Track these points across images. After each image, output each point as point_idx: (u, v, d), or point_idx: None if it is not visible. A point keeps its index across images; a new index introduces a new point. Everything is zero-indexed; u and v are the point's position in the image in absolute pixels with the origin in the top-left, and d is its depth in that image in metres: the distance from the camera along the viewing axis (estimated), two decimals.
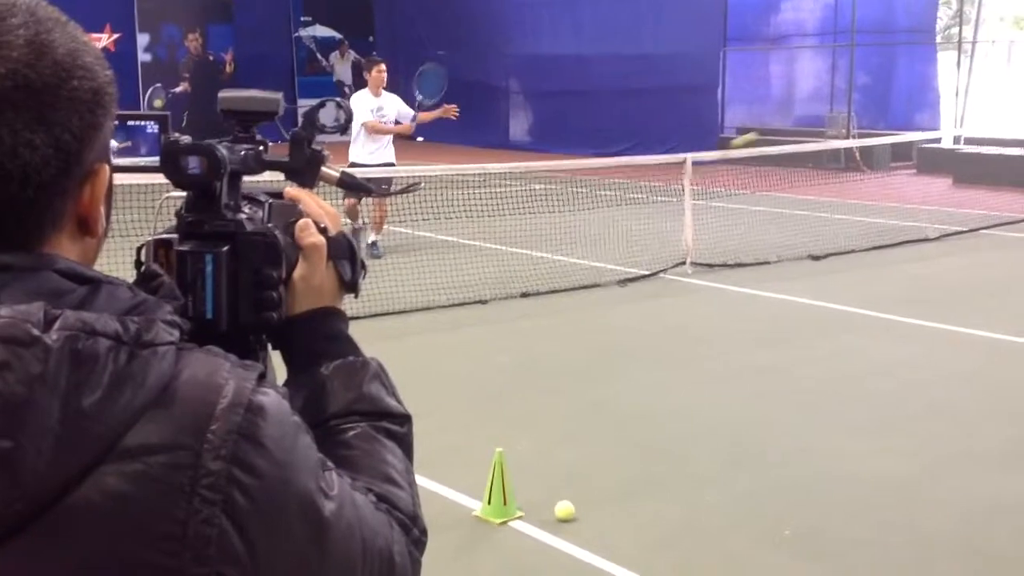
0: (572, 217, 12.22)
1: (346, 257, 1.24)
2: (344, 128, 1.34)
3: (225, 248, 1.13)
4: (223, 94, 1.26)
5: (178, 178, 1.12)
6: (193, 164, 1.12)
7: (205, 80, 23.46)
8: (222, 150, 1.13)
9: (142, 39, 23.38)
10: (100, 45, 22.11)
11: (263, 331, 1.18)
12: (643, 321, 8.26)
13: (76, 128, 0.92)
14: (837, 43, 20.49)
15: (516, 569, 4.18)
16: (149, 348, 0.88)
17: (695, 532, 4.45)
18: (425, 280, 9.04)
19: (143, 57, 23.42)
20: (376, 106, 11.11)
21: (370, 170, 10.10)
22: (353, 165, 10.62)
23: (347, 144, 11.06)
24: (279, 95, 1.27)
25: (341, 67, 26.57)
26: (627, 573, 4.04)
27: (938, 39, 21.93)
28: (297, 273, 1.20)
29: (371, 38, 26.88)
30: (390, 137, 11.13)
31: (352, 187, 1.41)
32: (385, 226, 11.11)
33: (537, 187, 13.58)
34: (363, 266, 1.28)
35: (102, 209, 0.99)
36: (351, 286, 1.25)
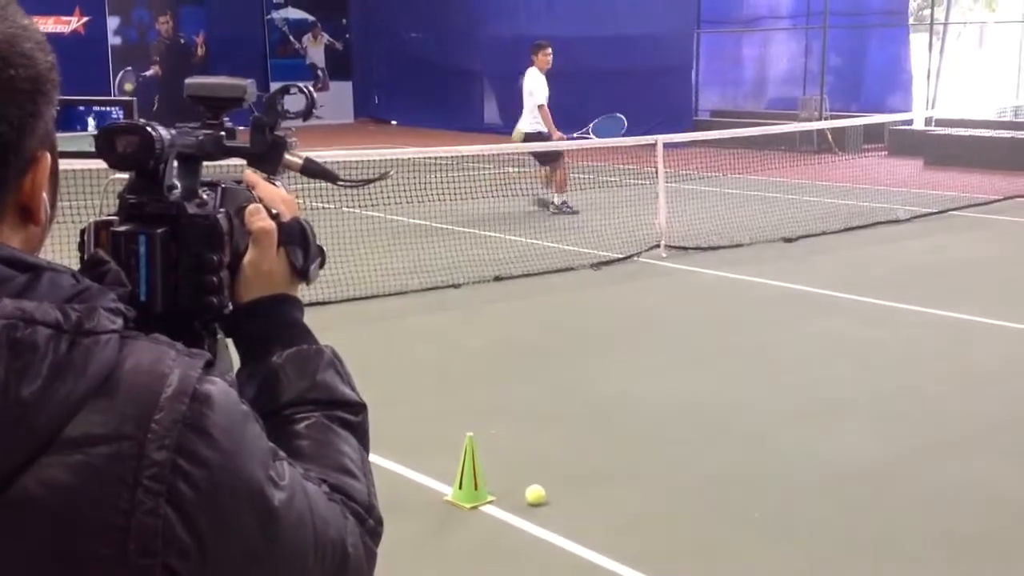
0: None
1: (298, 243, 1.22)
2: (307, 114, 1.32)
3: (161, 230, 1.11)
4: (190, 80, 1.24)
5: (112, 158, 1.10)
6: (125, 143, 1.10)
7: (176, 63, 23.26)
8: (159, 130, 1.10)
9: (112, 22, 23.15)
10: (69, 28, 21.93)
11: (206, 316, 1.16)
12: (617, 304, 8.27)
13: (14, 117, 0.90)
14: (810, 25, 20.53)
15: (487, 553, 4.18)
16: (91, 336, 0.86)
17: (665, 515, 4.47)
18: (398, 264, 9.03)
19: (113, 40, 23.19)
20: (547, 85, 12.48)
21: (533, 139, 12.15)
22: (529, 136, 12.30)
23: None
24: (247, 81, 1.25)
25: (314, 50, 26.43)
26: (597, 556, 4.05)
27: (910, 21, 21.99)
28: (247, 258, 1.19)
29: (344, 20, 26.74)
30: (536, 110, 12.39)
31: (316, 174, 1.39)
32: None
33: (511, 170, 13.56)
34: (321, 253, 1.27)
35: (45, 196, 0.97)
36: (303, 273, 1.22)
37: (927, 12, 21.96)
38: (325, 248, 1.29)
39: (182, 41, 24.22)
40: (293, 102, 1.30)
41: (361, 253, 8.98)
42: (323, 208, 10.96)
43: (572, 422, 5.54)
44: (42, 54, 0.93)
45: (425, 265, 9.10)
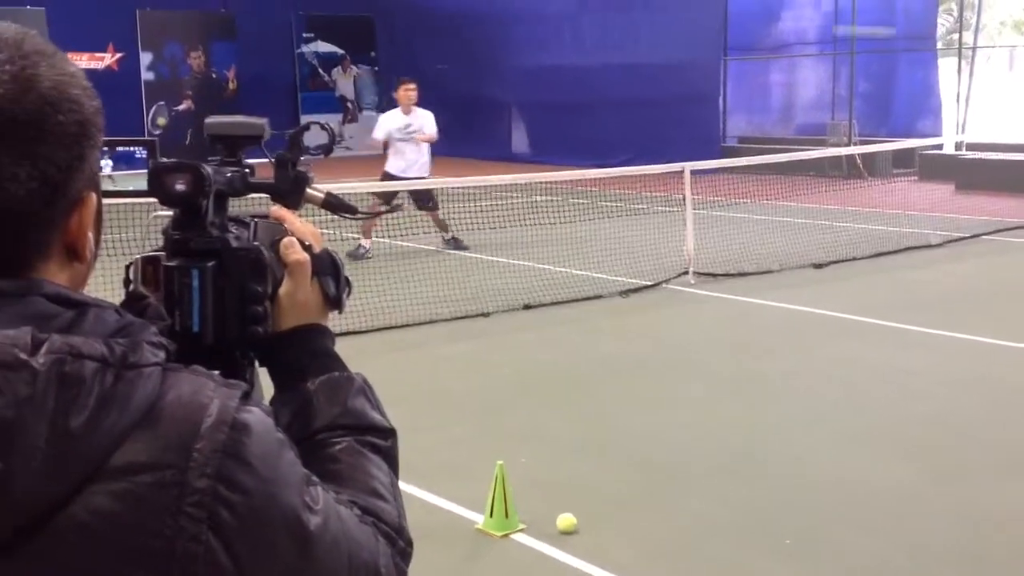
0: (574, 228, 12.26)
1: (330, 274, 1.27)
2: (328, 150, 1.37)
3: (211, 263, 1.16)
4: (209, 120, 1.29)
5: (164, 196, 1.15)
6: (178, 182, 1.15)
7: (208, 98, 23.53)
8: (207, 168, 1.16)
9: (145, 58, 23.44)
10: (103, 64, 22.24)
11: (250, 346, 1.21)
12: (645, 331, 8.27)
13: (61, 160, 0.94)
14: (837, 51, 20.52)
15: None
16: (135, 369, 0.90)
17: (696, 543, 4.46)
18: (427, 293, 9.07)
19: (146, 76, 23.48)
20: (403, 123, 11.49)
21: (404, 183, 10.97)
22: (387, 176, 11.28)
23: (380, 158, 11.91)
24: (263, 120, 1.30)
25: (344, 83, 26.66)
26: None
27: (939, 45, 21.93)
28: (282, 290, 1.23)
29: (373, 53, 26.97)
30: (424, 153, 11.52)
31: (337, 208, 1.43)
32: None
33: (539, 198, 13.62)
34: (348, 283, 1.31)
35: (90, 235, 1.01)
36: (335, 302, 1.27)
37: (955, 36, 21.91)
38: (356, 278, 1.34)
39: (214, 76, 24.49)
40: (315, 138, 1.34)
41: (391, 282, 9.04)
42: (354, 239, 11.06)
43: (602, 449, 5.55)
44: (88, 99, 0.98)
45: (454, 294, 9.14)
